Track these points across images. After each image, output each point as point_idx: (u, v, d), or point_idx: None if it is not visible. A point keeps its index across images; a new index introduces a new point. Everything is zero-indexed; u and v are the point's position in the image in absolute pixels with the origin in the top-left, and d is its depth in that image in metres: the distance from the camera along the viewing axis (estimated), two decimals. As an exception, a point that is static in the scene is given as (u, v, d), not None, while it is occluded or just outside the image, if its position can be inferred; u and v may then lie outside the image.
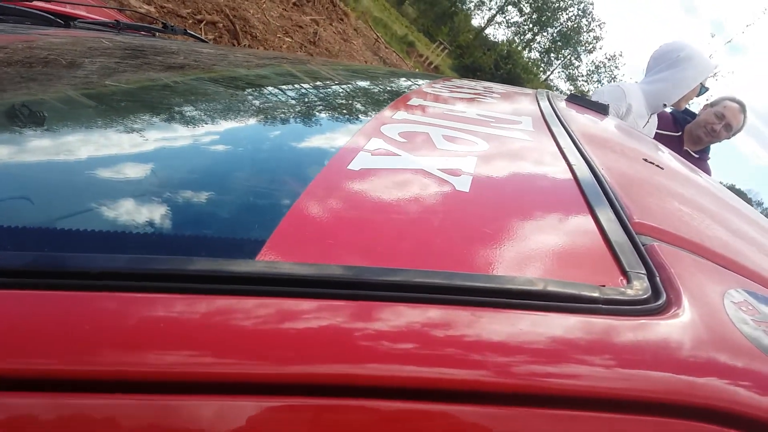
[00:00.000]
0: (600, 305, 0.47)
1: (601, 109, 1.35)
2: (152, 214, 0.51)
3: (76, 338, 0.38)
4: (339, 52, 8.46)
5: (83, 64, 0.99)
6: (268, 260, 0.46)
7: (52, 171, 0.57)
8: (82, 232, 0.48)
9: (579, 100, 1.37)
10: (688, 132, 3.33)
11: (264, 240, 0.47)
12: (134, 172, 0.57)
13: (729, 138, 3.29)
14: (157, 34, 2.12)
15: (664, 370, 0.44)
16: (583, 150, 0.79)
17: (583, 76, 41.12)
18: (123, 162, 0.59)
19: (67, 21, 1.81)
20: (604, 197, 0.64)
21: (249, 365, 0.39)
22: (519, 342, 0.43)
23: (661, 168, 0.88)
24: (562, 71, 41.63)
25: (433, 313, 0.43)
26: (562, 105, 1.24)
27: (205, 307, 0.41)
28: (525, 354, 0.43)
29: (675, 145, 3.32)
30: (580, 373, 0.43)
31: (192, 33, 2.21)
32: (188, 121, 0.74)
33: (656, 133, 3.12)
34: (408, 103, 0.98)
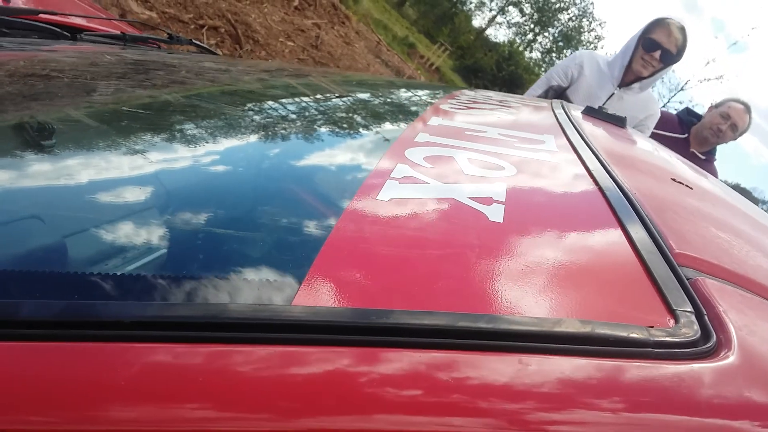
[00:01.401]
0: (650, 349, 0.45)
1: (619, 122, 1.33)
2: (172, 257, 0.49)
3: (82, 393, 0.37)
4: (341, 56, 8.46)
5: (93, 86, 0.97)
6: (303, 306, 0.44)
7: (59, 211, 0.55)
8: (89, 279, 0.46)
9: (595, 112, 1.35)
10: (694, 134, 3.33)
11: (298, 283, 0.45)
12: (146, 207, 0.56)
13: (735, 139, 3.29)
14: (164, 45, 2.11)
15: (717, 417, 0.42)
16: (612, 172, 0.77)
17: (584, 75, 41.11)
18: (132, 194, 0.58)
19: (73, 34, 1.80)
20: (642, 226, 0.62)
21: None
22: (568, 389, 0.41)
23: (691, 188, 0.86)
24: (563, 70, 41.62)
25: (479, 360, 0.41)
26: (579, 118, 1.23)
27: (245, 358, 0.39)
28: (576, 402, 0.41)
29: (681, 147, 3.31)
30: (634, 422, 0.41)
31: (198, 43, 2.19)
32: (200, 152, 0.72)
33: (662, 135, 3.11)
34: (428, 123, 0.96)
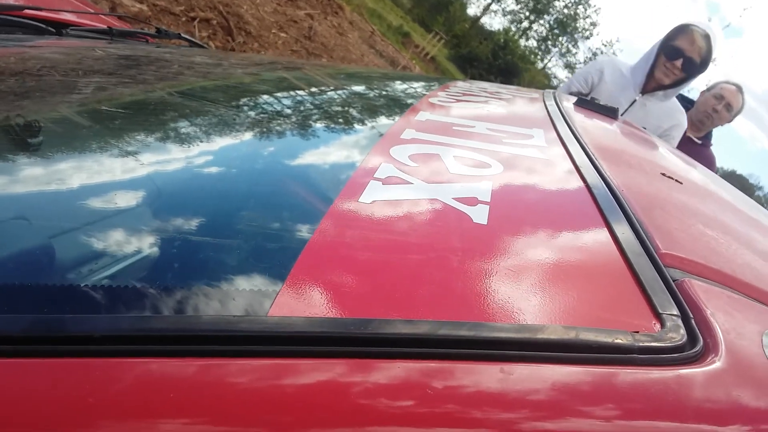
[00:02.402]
0: (635, 354, 0.44)
1: (610, 113, 1.32)
2: (145, 265, 0.48)
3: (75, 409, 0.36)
4: (335, 47, 8.42)
5: (76, 83, 0.96)
6: (280, 316, 0.43)
7: (39, 220, 0.54)
8: (68, 290, 0.45)
9: (587, 104, 1.34)
10: (689, 119, 3.31)
11: (274, 293, 0.44)
12: (115, 212, 0.55)
13: (730, 120, 3.28)
14: (152, 39, 2.08)
15: (704, 423, 0.42)
16: (600, 168, 0.76)
17: (580, 63, 41.05)
18: (112, 195, 0.56)
19: (59, 29, 1.77)
20: (629, 226, 0.61)
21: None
22: (552, 398, 0.40)
23: (680, 182, 0.85)
24: (560, 59, 41.56)
25: (459, 369, 0.41)
26: (570, 110, 1.21)
27: (218, 371, 0.38)
28: (560, 411, 0.40)
29: None
30: (619, 430, 0.40)
31: (186, 37, 2.17)
32: (175, 155, 0.71)
33: None
34: (415, 118, 0.95)
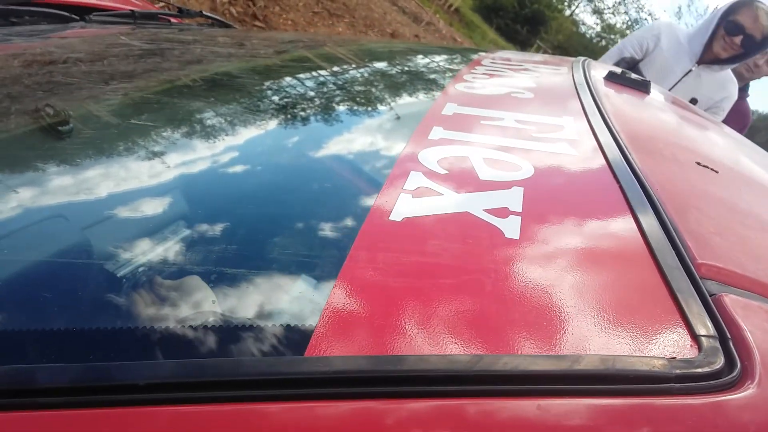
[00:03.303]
0: (672, 384, 0.43)
1: (643, 87, 1.28)
2: (175, 304, 0.49)
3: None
4: (356, 6, 8.29)
5: (108, 75, 0.96)
6: (317, 356, 0.43)
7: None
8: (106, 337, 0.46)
9: (618, 78, 1.30)
10: None
11: (311, 331, 0.45)
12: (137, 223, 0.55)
13: None
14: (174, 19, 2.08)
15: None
16: (633, 165, 0.74)
17: (609, 8, 39.88)
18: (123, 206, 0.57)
19: (82, 14, 1.77)
20: (664, 234, 0.60)
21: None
22: (589, 432, 0.40)
23: (716, 171, 0.83)
24: (588, 4, 40.35)
25: (495, 406, 0.41)
26: (601, 89, 1.18)
27: (260, 417, 0.39)
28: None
29: None
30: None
31: (209, 15, 2.16)
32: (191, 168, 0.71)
33: None
34: (442, 112, 0.94)
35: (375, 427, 0.39)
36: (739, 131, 3.28)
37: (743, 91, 3.32)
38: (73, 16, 1.74)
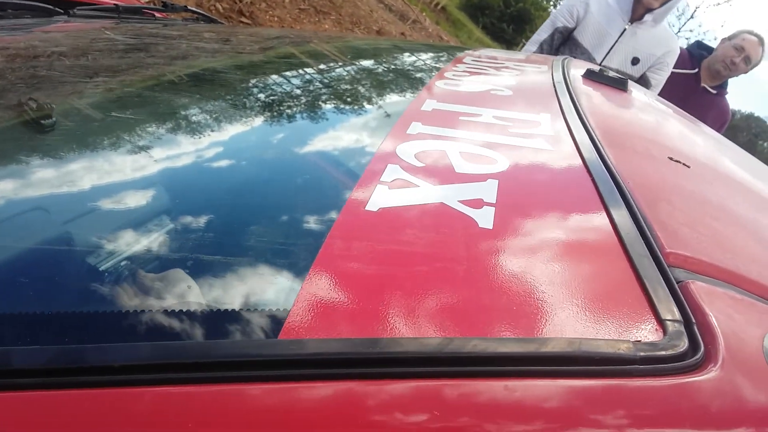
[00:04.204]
0: (637, 365, 0.45)
1: (620, 85, 1.30)
2: (150, 287, 0.50)
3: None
4: (343, 4, 8.27)
5: (91, 70, 0.97)
6: (291, 339, 0.44)
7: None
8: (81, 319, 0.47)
9: (596, 76, 1.32)
10: (705, 68, 3.27)
11: (285, 314, 0.46)
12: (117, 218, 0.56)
13: (746, 72, 3.25)
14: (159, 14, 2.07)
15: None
16: (607, 159, 0.76)
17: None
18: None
19: (66, 9, 1.77)
20: (634, 224, 0.62)
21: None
22: (556, 413, 0.42)
23: (688, 166, 0.85)
24: (572, 4, 40.47)
25: (465, 386, 0.42)
26: (579, 86, 1.20)
27: (232, 397, 0.40)
28: (563, 425, 0.41)
29: (691, 82, 3.26)
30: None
31: (194, 9, 2.15)
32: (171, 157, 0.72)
33: (672, 72, 3.04)
34: (422, 108, 0.95)
35: (348, 407, 0.40)
36: (719, 129, 3.33)
37: (722, 88, 3.36)
38: (57, 9, 1.73)
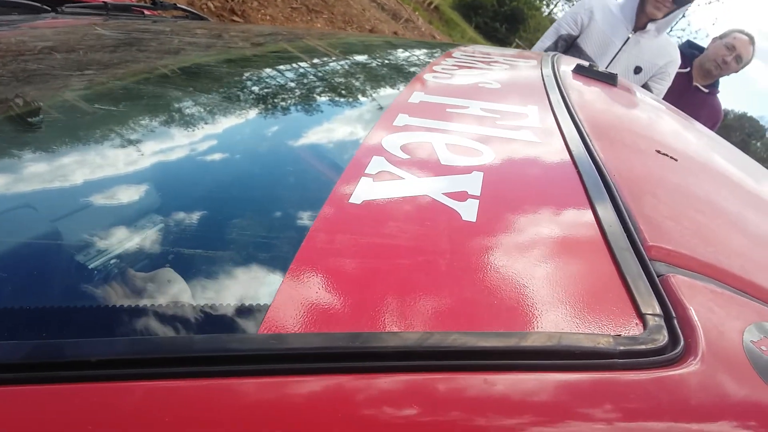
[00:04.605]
0: (616, 359, 0.45)
1: (610, 79, 1.30)
2: (130, 282, 0.49)
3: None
4: (335, 2, 8.27)
5: (78, 69, 0.96)
6: (270, 334, 0.44)
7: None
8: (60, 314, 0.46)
9: (586, 71, 1.32)
10: (697, 66, 3.29)
11: (265, 309, 0.46)
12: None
13: (737, 71, 3.26)
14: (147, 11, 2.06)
15: (682, 423, 0.43)
16: (593, 152, 0.76)
17: (587, 7, 40.04)
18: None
19: (54, 6, 1.76)
20: (617, 217, 0.61)
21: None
22: (534, 407, 0.41)
23: (675, 159, 0.85)
24: (566, 3, 40.63)
25: (444, 380, 0.42)
26: (568, 80, 1.20)
27: (209, 393, 0.39)
28: (541, 419, 0.41)
29: (684, 81, 3.27)
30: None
31: (183, 7, 2.15)
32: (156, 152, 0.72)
33: None
34: (409, 100, 0.95)
35: (328, 401, 0.40)
36: (712, 128, 3.34)
37: (713, 87, 3.38)
38: (45, 7, 1.72)
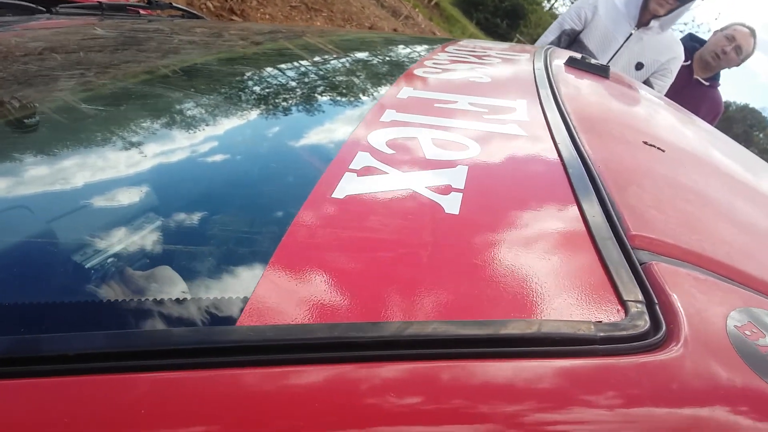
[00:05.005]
0: (597, 345, 0.45)
1: (602, 72, 1.30)
2: (110, 275, 0.49)
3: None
4: (335, 0, 8.27)
5: (75, 69, 0.96)
6: (249, 326, 0.44)
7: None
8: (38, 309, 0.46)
9: (578, 63, 1.32)
10: (697, 59, 3.28)
11: (245, 301, 0.46)
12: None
13: (738, 64, 3.26)
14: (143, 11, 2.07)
15: (662, 408, 0.43)
16: (579, 144, 0.76)
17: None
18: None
19: (48, 7, 1.76)
20: (600, 208, 0.62)
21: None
22: (514, 394, 0.42)
23: (663, 150, 0.85)
24: (566, -2, 40.53)
25: (422, 369, 0.42)
26: (559, 73, 1.20)
27: (192, 384, 0.40)
28: (521, 406, 0.41)
29: (685, 74, 3.27)
30: (581, 420, 0.42)
31: (179, 6, 2.15)
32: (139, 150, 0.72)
33: None
34: (398, 95, 0.95)
35: (305, 391, 0.40)
36: (712, 120, 3.34)
37: (714, 80, 3.37)
38: (39, 8, 1.73)
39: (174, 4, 2.14)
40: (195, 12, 2.31)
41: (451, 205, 0.60)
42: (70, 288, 0.49)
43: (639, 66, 2.86)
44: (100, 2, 1.87)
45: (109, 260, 0.51)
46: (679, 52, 2.93)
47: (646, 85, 2.90)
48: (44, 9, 1.73)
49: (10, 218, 0.57)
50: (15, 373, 0.40)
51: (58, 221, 0.57)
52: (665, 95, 2.96)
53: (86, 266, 0.50)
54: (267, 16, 6.49)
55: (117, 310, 0.46)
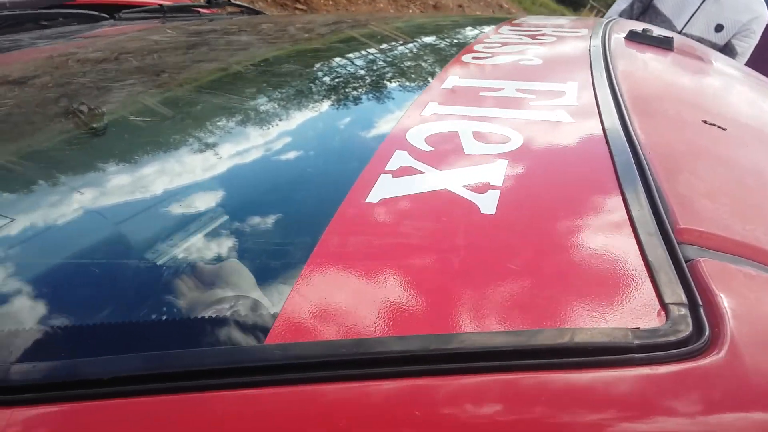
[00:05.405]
0: (633, 354, 0.43)
1: (665, 44, 1.23)
2: (138, 296, 0.51)
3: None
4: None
5: (135, 77, 0.99)
6: (278, 343, 0.44)
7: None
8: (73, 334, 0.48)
9: (639, 37, 1.25)
10: None
11: (274, 317, 0.46)
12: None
13: None
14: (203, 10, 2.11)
15: (706, 417, 0.41)
16: (630, 130, 0.72)
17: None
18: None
19: (111, 13, 1.82)
20: (648, 200, 0.58)
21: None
22: (548, 408, 0.40)
23: (724, 128, 0.80)
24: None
25: (452, 384, 0.41)
26: (617, 50, 1.14)
27: (221, 406, 0.40)
28: (555, 420, 0.40)
29: None
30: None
31: (238, 3, 2.18)
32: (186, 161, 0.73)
33: None
34: (442, 86, 0.93)
35: (333, 409, 0.40)
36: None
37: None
38: (103, 15, 1.79)
39: (233, 2, 2.17)
40: (253, 8, 2.33)
41: (488, 204, 0.59)
42: (83, 313, 0.50)
43: (719, 28, 2.69)
44: (161, 5, 1.92)
45: (138, 280, 0.52)
46: (761, 11, 2.74)
47: (727, 47, 2.74)
48: (108, 15, 1.79)
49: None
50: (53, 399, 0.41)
51: (103, 241, 0.59)
52: (750, 57, 2.79)
53: (106, 287, 0.52)
54: (330, 2, 6.50)
55: (148, 333, 0.47)
